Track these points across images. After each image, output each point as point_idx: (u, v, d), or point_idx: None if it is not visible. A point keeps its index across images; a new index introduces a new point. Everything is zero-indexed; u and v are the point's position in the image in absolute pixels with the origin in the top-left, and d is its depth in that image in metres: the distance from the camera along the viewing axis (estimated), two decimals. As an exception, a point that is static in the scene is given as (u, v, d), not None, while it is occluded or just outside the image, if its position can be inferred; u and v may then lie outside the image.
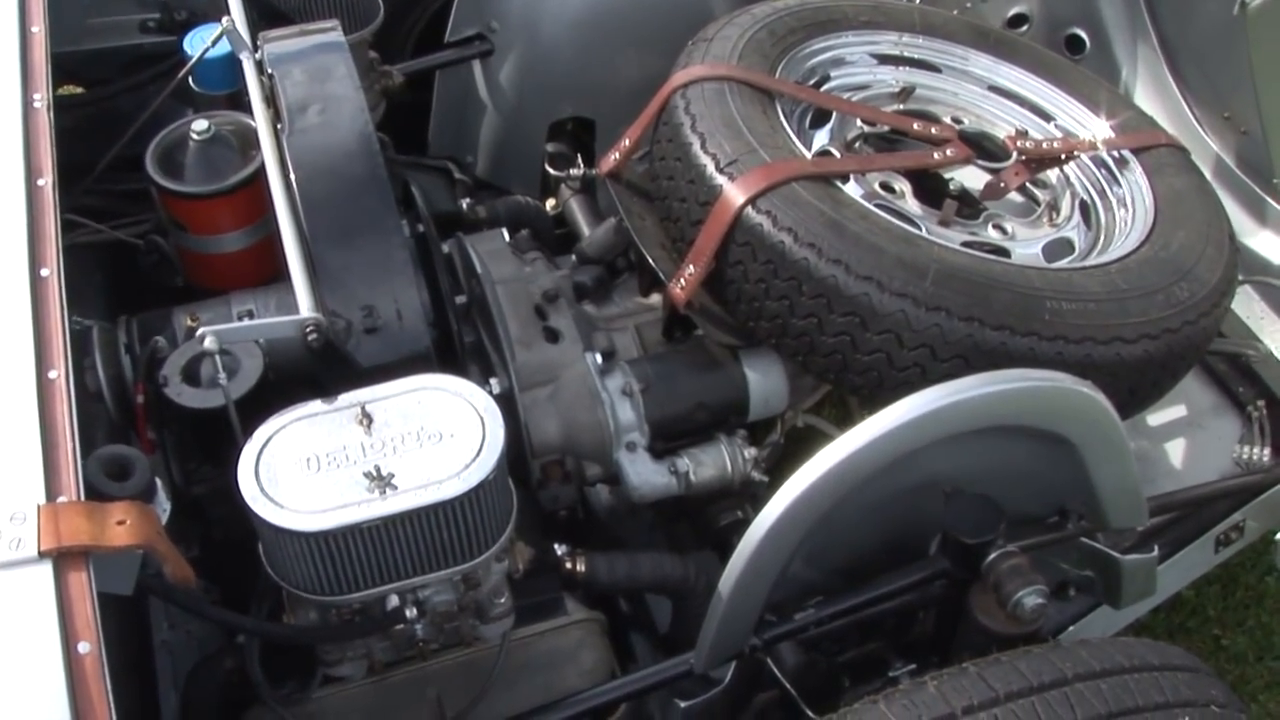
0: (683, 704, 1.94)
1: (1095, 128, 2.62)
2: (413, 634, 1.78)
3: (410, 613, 1.69)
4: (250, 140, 2.01)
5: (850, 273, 2.07)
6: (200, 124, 2.00)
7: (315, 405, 1.67)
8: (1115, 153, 2.55)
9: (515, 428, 2.24)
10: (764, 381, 2.36)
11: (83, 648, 1.27)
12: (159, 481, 1.59)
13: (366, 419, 1.61)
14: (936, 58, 2.73)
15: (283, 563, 1.63)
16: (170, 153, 2.02)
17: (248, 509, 1.58)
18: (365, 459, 1.59)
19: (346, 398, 1.67)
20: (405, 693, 2.00)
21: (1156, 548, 2.18)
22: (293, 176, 1.87)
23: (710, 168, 2.24)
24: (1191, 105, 2.99)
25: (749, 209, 2.16)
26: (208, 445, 1.99)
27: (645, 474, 2.30)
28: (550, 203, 3.01)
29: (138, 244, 2.29)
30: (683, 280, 2.27)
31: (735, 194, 2.17)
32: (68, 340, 1.52)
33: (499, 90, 3.04)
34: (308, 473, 1.61)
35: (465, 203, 2.74)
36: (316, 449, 1.63)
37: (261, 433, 1.65)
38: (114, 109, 2.58)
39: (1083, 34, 3.13)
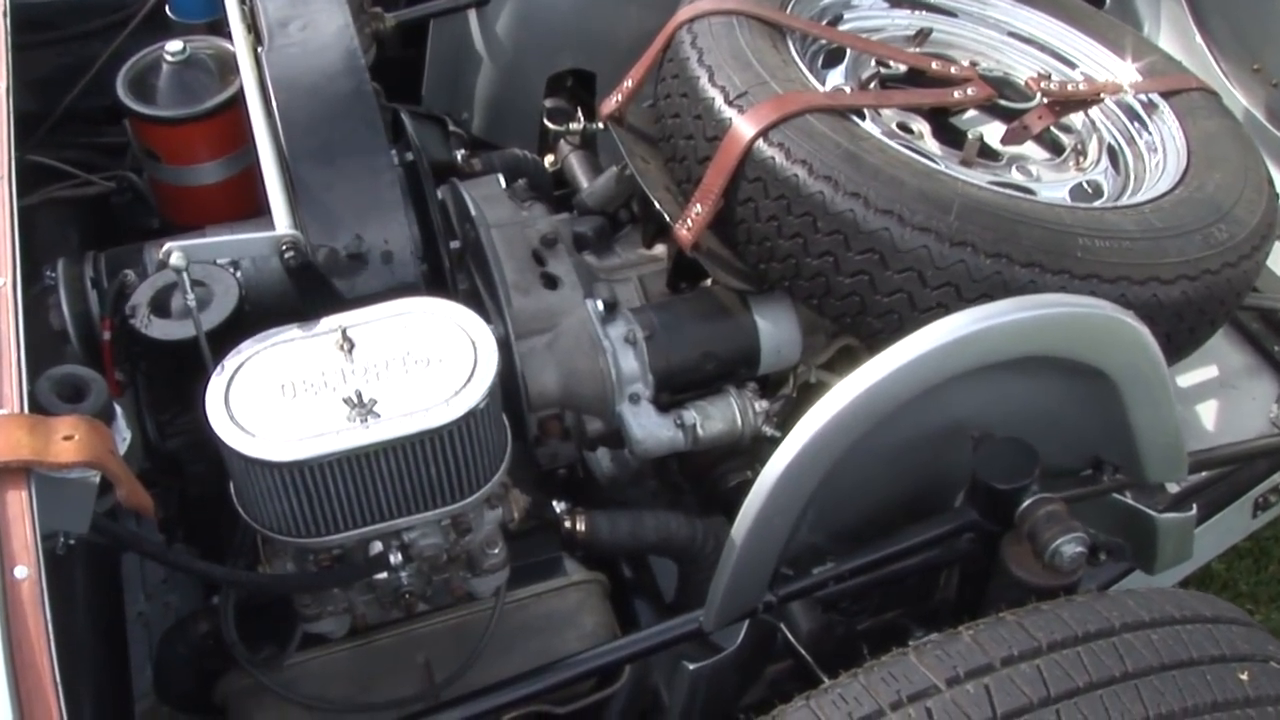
0: (691, 666, 1.79)
1: (1121, 73, 2.48)
2: (398, 585, 1.64)
3: (395, 558, 1.55)
4: (229, 65, 1.88)
5: (869, 206, 1.94)
6: (175, 45, 1.87)
7: (292, 330, 1.54)
8: (1144, 97, 2.42)
9: (511, 378, 2.10)
10: (775, 330, 2.22)
11: (19, 572, 1.13)
12: (119, 409, 1.45)
13: (347, 343, 1.47)
14: (953, 3, 2.60)
15: (255, 500, 1.49)
16: (143, 76, 1.89)
17: (215, 438, 1.44)
18: (345, 385, 1.45)
19: (326, 322, 1.53)
20: (392, 657, 1.86)
21: (1195, 507, 2.04)
22: (272, 95, 1.73)
23: (719, 100, 2.10)
24: (1218, 58, 2.87)
25: (760, 142, 2.03)
26: (183, 389, 1.84)
27: (649, 426, 2.16)
28: (549, 159, 2.87)
29: (110, 186, 2.15)
30: (689, 221, 2.14)
31: (745, 126, 2.04)
32: (17, 247, 1.38)
33: (495, 41, 2.90)
34: (282, 399, 1.47)
35: (460, 154, 2.60)
36: (292, 375, 1.49)
37: (233, 359, 1.51)
38: (91, 54, 2.44)
39: (1104, -15, 3.01)
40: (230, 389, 1.47)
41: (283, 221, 1.59)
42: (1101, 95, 2.40)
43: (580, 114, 2.88)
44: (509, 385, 2.09)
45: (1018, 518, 1.72)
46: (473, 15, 2.88)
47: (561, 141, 2.89)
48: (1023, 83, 2.40)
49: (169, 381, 1.82)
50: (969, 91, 2.29)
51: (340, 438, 1.42)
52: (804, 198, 1.98)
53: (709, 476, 2.28)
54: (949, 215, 1.91)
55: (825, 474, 1.65)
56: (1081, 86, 2.41)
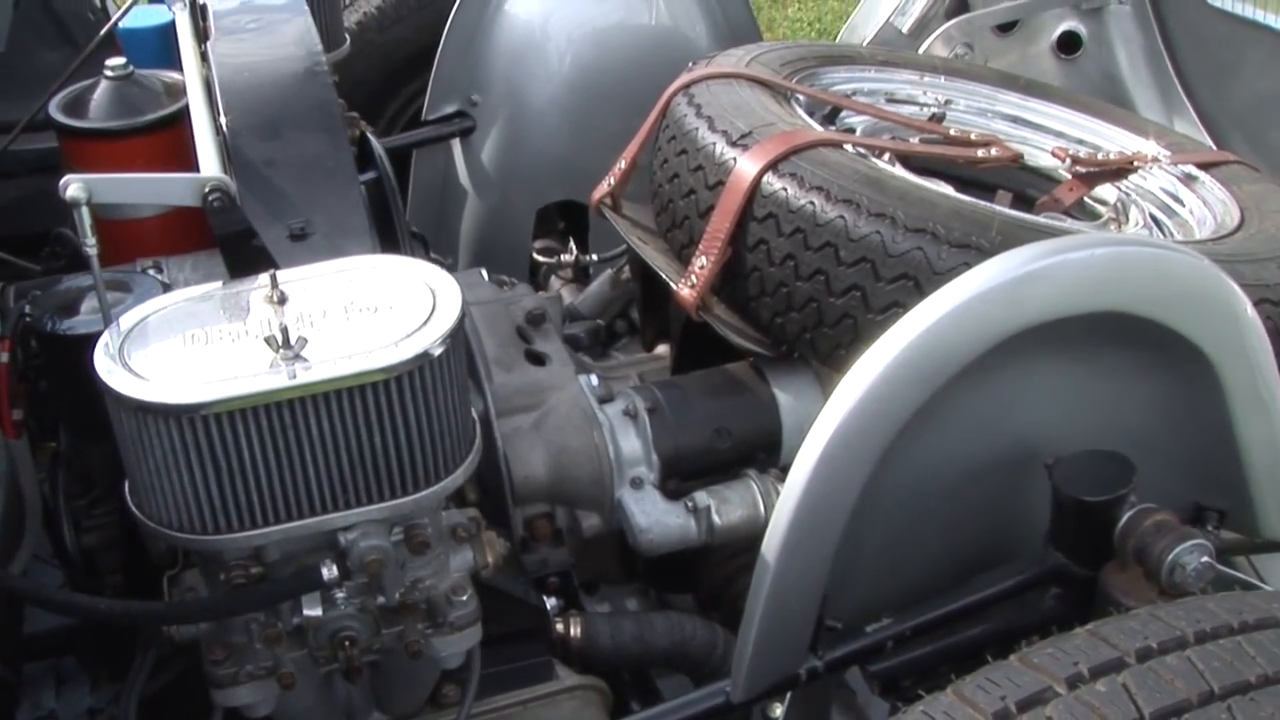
0: (719, 756, 1.39)
1: (1148, 149, 2.31)
2: (336, 626, 1.28)
3: (329, 573, 1.19)
4: (179, 90, 1.69)
5: (898, 226, 1.70)
6: (117, 60, 1.68)
7: (211, 286, 1.26)
8: (1181, 170, 2.23)
9: (493, 463, 1.79)
10: (798, 404, 1.93)
11: None
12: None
13: (278, 295, 1.18)
14: (962, 98, 2.47)
15: (150, 482, 1.15)
16: (80, 97, 1.69)
17: (100, 385, 1.14)
18: (270, 329, 1.16)
19: (254, 278, 1.25)
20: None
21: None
22: (215, 76, 1.52)
23: (720, 145, 1.91)
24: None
25: (769, 175, 1.82)
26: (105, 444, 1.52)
27: (655, 513, 1.82)
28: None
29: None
30: (693, 278, 1.89)
31: (751, 162, 1.84)
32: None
33: (481, 172, 2.76)
34: (191, 347, 1.17)
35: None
36: (206, 326, 1.20)
37: (135, 312, 1.22)
38: None
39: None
40: (126, 339, 1.17)
41: (211, 166, 1.35)
42: (1134, 164, 2.21)
43: (573, 245, 2.70)
44: (490, 472, 1.78)
45: (1118, 537, 1.37)
46: (457, 144, 2.75)
47: (553, 277, 2.70)
48: (1049, 153, 2.22)
49: (85, 427, 1.51)
50: (993, 152, 2.11)
51: (257, 380, 1.12)
52: (823, 227, 1.75)
53: (715, 577, 1.91)
54: (990, 231, 1.68)
55: (865, 483, 1.32)
56: (1113, 155, 2.23)
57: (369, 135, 1.72)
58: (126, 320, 1.20)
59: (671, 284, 1.94)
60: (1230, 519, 1.58)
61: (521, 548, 1.85)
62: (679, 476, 1.88)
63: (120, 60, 1.69)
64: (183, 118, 1.62)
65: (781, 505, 1.32)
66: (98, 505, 1.68)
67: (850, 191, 1.75)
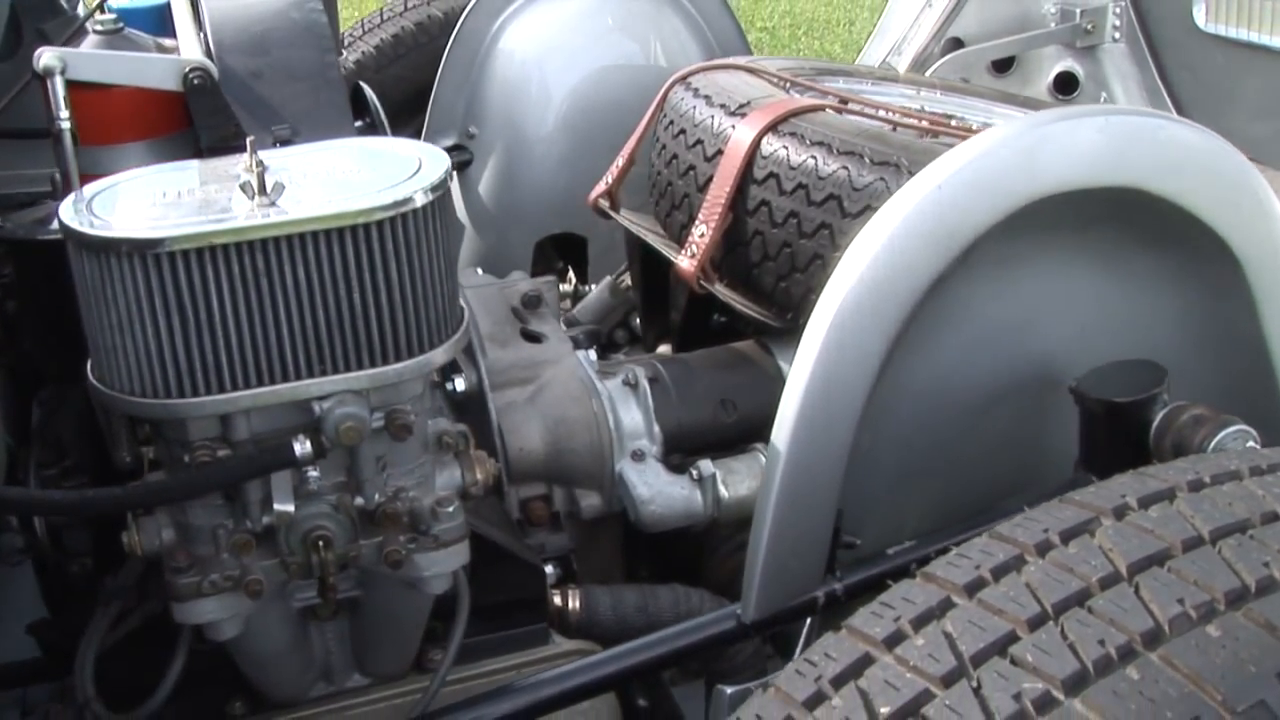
0: (729, 690, 1.26)
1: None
2: (310, 529, 1.17)
3: (302, 448, 1.10)
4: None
5: (903, 172, 1.65)
6: (106, 16, 1.65)
7: (189, 161, 1.20)
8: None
9: (486, 436, 1.70)
10: (805, 377, 1.84)
11: None
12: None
13: (257, 162, 1.12)
14: (961, 111, 2.45)
15: (110, 339, 1.06)
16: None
17: (63, 232, 1.06)
18: (247, 179, 1.09)
19: (234, 156, 1.19)
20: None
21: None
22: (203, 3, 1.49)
23: (719, 116, 1.88)
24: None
25: (768, 137, 1.78)
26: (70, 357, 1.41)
27: (658, 484, 1.72)
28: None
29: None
30: (693, 247, 1.84)
31: (750, 126, 1.80)
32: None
33: (479, 204, 2.73)
34: (162, 203, 1.10)
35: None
36: (182, 186, 1.13)
37: (105, 180, 1.15)
38: None
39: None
40: (95, 198, 1.10)
41: (191, 49, 1.30)
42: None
43: (571, 276, 2.66)
44: (485, 448, 1.69)
45: (1154, 438, 1.28)
46: (454, 179, 2.73)
47: (552, 308, 2.64)
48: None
49: (54, 346, 1.42)
50: (995, 137, 2.07)
51: (228, 218, 1.04)
52: (826, 179, 1.70)
53: (723, 570, 1.79)
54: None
55: (880, 363, 1.23)
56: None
57: (362, 85, 1.69)
58: (95, 185, 1.14)
59: (671, 257, 1.89)
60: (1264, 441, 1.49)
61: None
62: (682, 451, 1.79)
63: (110, 15, 1.67)
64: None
65: (791, 385, 1.23)
66: (70, 477, 1.59)
67: (852, 144, 1.71)
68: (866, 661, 0.92)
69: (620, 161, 2.16)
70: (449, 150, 2.72)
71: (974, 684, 0.85)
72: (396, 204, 1.08)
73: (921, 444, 1.35)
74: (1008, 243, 1.27)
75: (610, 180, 2.16)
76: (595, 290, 2.32)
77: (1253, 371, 1.39)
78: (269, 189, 1.07)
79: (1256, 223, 1.31)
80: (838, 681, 0.91)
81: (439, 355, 1.16)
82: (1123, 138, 1.23)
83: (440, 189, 1.12)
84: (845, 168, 1.69)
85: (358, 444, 1.13)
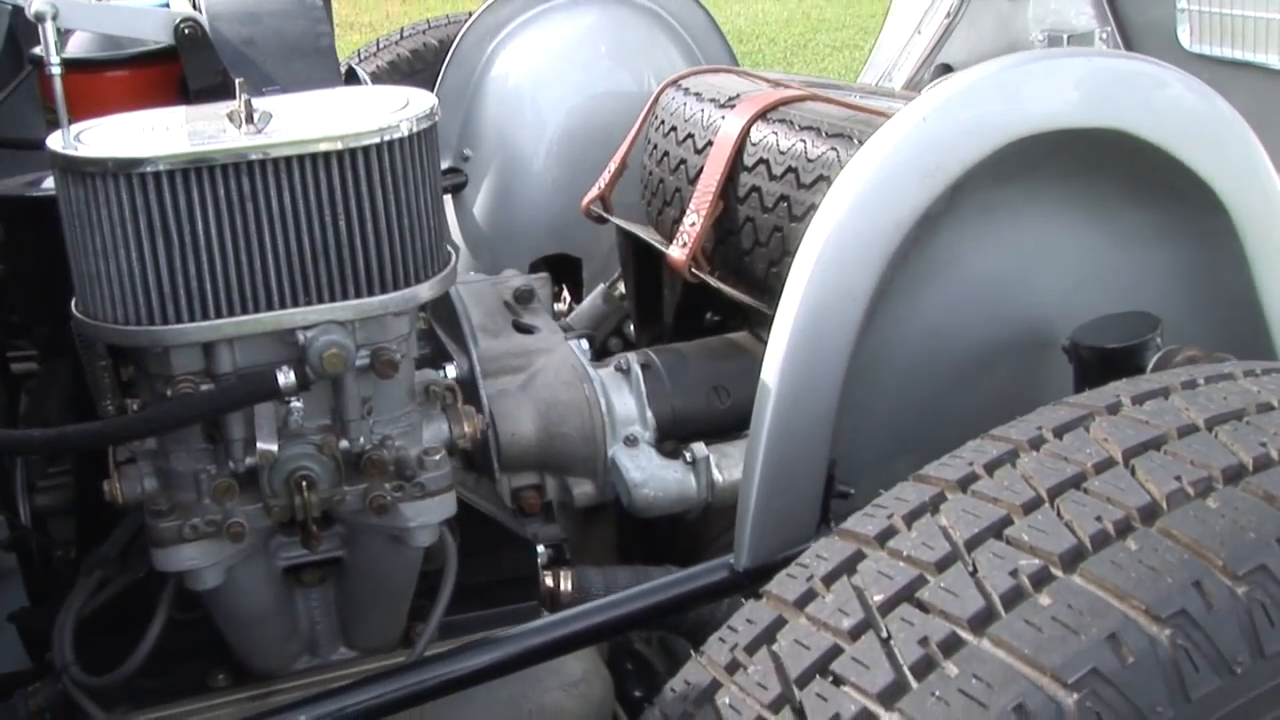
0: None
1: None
2: (293, 469, 1.15)
3: (285, 378, 1.08)
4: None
5: (893, 150, 1.66)
6: (109, -1, 1.67)
7: (175, 108, 1.20)
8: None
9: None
10: (798, 365, 1.83)
11: None
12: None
13: (244, 104, 1.12)
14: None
15: (94, 266, 1.05)
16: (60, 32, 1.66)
17: (49, 155, 1.06)
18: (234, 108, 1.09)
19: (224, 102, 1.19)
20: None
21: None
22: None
23: (709, 109, 1.90)
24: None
25: (758, 124, 1.79)
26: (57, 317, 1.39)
27: (651, 468, 1.70)
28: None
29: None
30: (685, 236, 1.84)
31: (739, 116, 1.82)
32: None
33: (474, 227, 2.74)
34: (149, 132, 1.10)
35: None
36: (171, 121, 1.13)
37: (97, 119, 1.15)
38: None
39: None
40: (83, 132, 1.10)
41: (181, 3, 1.31)
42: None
43: (566, 295, 2.66)
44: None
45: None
46: (449, 201, 2.74)
47: (546, 328, 2.64)
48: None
49: (44, 310, 1.41)
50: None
51: (214, 141, 1.04)
52: (817, 161, 1.71)
53: (706, 547, 1.77)
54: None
55: (870, 298, 1.22)
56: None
57: (355, 67, 1.70)
58: (84, 123, 1.14)
59: (662, 249, 1.89)
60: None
61: (508, 522, 1.72)
62: (676, 438, 1.77)
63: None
64: (170, 55, 1.60)
65: (779, 321, 1.22)
66: (55, 461, 1.58)
67: (842, 127, 1.72)
68: (858, 557, 0.89)
69: (613, 166, 2.17)
70: (444, 173, 2.75)
71: (970, 567, 0.83)
72: (382, 130, 1.08)
73: (915, 395, 1.34)
74: (996, 189, 1.27)
75: (603, 184, 2.17)
76: (589, 298, 2.32)
77: (1244, 323, 1.38)
78: (256, 119, 1.08)
79: (1246, 172, 1.31)
80: (829, 579, 0.89)
81: (425, 290, 1.15)
82: (1107, 79, 1.23)
83: (427, 121, 1.12)
84: (834, 149, 1.70)
85: (341, 374, 1.11)
